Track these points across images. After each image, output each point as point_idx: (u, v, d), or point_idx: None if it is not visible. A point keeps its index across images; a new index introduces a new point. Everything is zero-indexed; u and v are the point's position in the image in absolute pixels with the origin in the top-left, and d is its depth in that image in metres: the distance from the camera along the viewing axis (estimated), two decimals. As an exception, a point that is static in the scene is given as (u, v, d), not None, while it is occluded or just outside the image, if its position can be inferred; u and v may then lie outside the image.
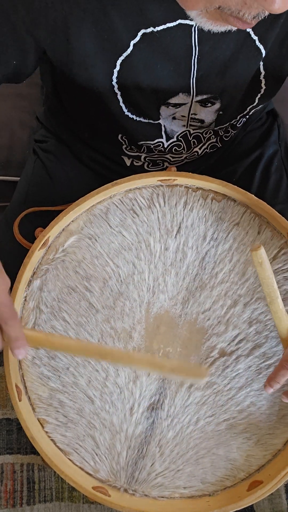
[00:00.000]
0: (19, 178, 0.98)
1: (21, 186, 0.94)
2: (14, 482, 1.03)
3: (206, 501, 0.67)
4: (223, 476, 0.67)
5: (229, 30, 0.62)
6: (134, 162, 0.89)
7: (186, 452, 0.67)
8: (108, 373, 0.67)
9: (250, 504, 0.66)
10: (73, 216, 0.70)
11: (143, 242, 0.69)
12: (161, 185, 0.71)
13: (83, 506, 1.00)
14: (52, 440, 0.67)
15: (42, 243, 0.68)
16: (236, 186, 0.69)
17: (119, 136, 0.82)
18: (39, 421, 0.67)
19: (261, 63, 0.72)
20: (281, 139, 0.95)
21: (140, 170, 0.90)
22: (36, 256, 0.68)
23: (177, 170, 0.73)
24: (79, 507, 1.00)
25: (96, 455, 0.67)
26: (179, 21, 0.64)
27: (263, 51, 0.70)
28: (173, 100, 0.73)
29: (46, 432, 0.67)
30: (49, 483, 1.04)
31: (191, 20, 0.63)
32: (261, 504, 1.04)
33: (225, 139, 0.88)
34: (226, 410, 0.67)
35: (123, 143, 0.84)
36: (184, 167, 0.90)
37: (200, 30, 0.65)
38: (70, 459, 0.67)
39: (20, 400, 0.65)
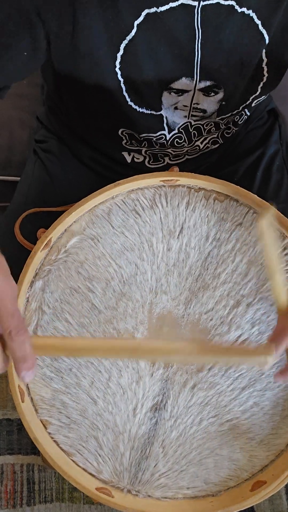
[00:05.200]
0: (19, 178, 0.98)
1: (22, 187, 0.93)
2: (14, 483, 1.02)
3: (209, 501, 0.67)
4: (227, 476, 0.67)
5: (230, 13, 0.63)
6: (134, 158, 0.89)
7: (189, 452, 0.67)
8: (111, 374, 0.67)
9: (253, 504, 0.66)
10: (75, 217, 0.70)
11: (145, 242, 0.69)
12: (164, 186, 0.70)
13: (84, 506, 1.00)
14: (55, 441, 0.67)
15: (44, 244, 0.67)
16: (238, 186, 0.69)
17: (120, 131, 0.82)
18: (42, 422, 0.67)
19: (264, 50, 0.72)
20: (283, 138, 0.95)
21: (141, 166, 0.90)
22: (38, 257, 0.68)
23: (178, 169, 0.73)
24: (79, 508, 1.00)
25: (99, 456, 0.67)
26: (182, 1, 0.64)
27: (266, 36, 0.70)
28: (176, 85, 0.73)
29: (49, 433, 0.67)
30: (49, 484, 1.03)
31: (193, 0, 0.63)
32: (262, 504, 1.04)
33: (227, 135, 0.88)
34: (229, 411, 0.67)
35: (124, 138, 0.84)
36: (185, 165, 0.90)
37: (203, 13, 0.65)
38: (73, 460, 0.67)
39: (23, 402, 0.65)
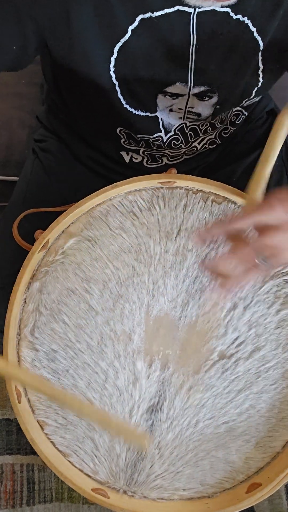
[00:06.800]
0: (18, 178, 0.98)
1: (20, 186, 0.93)
2: (14, 483, 1.02)
3: (205, 503, 0.67)
4: (222, 478, 0.67)
5: (225, 20, 0.64)
6: (133, 158, 0.89)
7: (185, 454, 0.67)
8: (108, 376, 0.67)
9: (248, 506, 0.66)
10: (73, 218, 0.70)
11: (142, 244, 0.69)
12: (161, 187, 0.70)
13: (83, 506, 1.00)
14: (51, 442, 0.67)
15: (41, 245, 0.67)
16: (236, 189, 0.69)
17: (118, 129, 0.82)
18: (38, 423, 0.67)
19: (260, 57, 0.72)
20: (282, 138, 0.95)
21: (139, 166, 0.90)
22: (35, 258, 0.68)
23: (176, 168, 0.73)
24: (78, 508, 1.00)
25: (96, 457, 0.67)
26: (177, 7, 0.64)
27: (261, 43, 0.70)
28: (171, 89, 0.73)
29: (46, 434, 0.67)
30: (49, 484, 1.04)
31: (189, 7, 0.63)
32: (261, 504, 1.04)
33: (224, 135, 0.88)
34: (225, 413, 0.67)
35: (122, 137, 0.84)
36: (183, 164, 0.90)
37: (199, 19, 0.65)
38: (69, 461, 0.67)
39: (19, 403, 0.65)
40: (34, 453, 1.06)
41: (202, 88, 0.73)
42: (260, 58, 0.71)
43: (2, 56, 0.68)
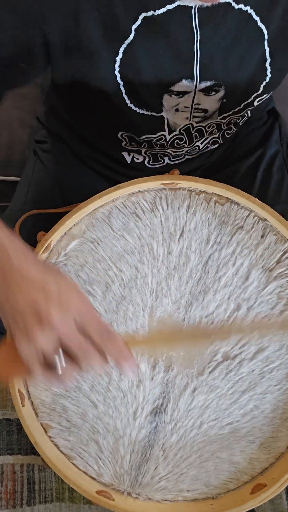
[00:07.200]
0: (19, 178, 0.98)
1: (21, 187, 0.93)
2: (14, 483, 1.02)
3: (209, 504, 0.67)
4: (227, 479, 0.67)
5: (227, 11, 0.64)
6: (134, 158, 0.89)
7: (189, 455, 0.67)
8: (111, 378, 0.67)
9: (253, 507, 0.66)
10: (76, 220, 0.69)
11: (146, 246, 0.69)
12: (164, 189, 0.70)
13: (84, 506, 1.00)
14: (55, 444, 0.67)
15: (44, 247, 0.67)
16: (239, 190, 0.69)
17: (120, 134, 0.82)
18: (42, 426, 0.67)
19: (267, 49, 0.71)
20: (283, 138, 0.95)
21: (141, 166, 0.90)
22: (38, 260, 0.68)
23: (178, 168, 0.73)
24: (79, 508, 1.00)
25: (100, 459, 0.67)
26: (178, 2, 0.64)
27: (265, 32, 0.69)
28: (176, 88, 0.72)
29: (50, 437, 0.67)
30: (49, 484, 1.03)
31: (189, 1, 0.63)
32: (262, 504, 1.04)
33: (227, 135, 0.88)
34: (230, 414, 0.67)
35: (123, 140, 0.83)
36: (185, 164, 0.90)
37: (200, 13, 0.65)
38: (73, 464, 0.67)
39: (23, 406, 0.65)
40: (34, 453, 1.05)
41: (208, 83, 0.72)
42: (267, 49, 0.71)
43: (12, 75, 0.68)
